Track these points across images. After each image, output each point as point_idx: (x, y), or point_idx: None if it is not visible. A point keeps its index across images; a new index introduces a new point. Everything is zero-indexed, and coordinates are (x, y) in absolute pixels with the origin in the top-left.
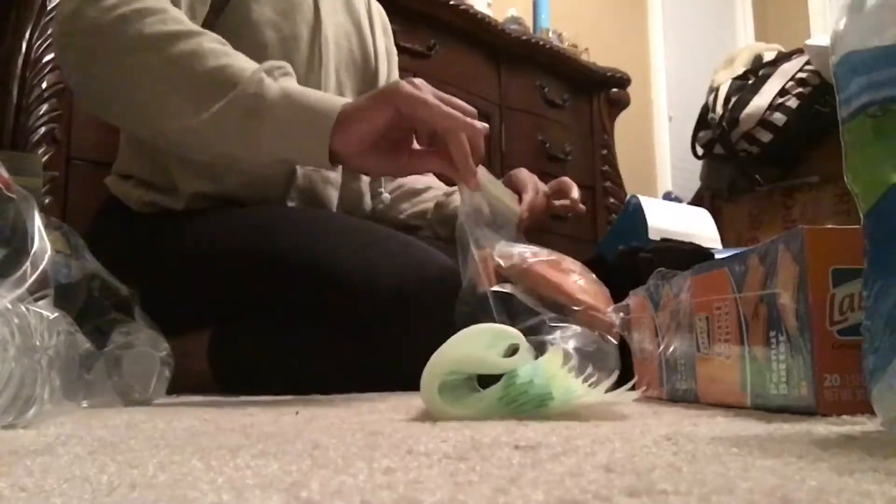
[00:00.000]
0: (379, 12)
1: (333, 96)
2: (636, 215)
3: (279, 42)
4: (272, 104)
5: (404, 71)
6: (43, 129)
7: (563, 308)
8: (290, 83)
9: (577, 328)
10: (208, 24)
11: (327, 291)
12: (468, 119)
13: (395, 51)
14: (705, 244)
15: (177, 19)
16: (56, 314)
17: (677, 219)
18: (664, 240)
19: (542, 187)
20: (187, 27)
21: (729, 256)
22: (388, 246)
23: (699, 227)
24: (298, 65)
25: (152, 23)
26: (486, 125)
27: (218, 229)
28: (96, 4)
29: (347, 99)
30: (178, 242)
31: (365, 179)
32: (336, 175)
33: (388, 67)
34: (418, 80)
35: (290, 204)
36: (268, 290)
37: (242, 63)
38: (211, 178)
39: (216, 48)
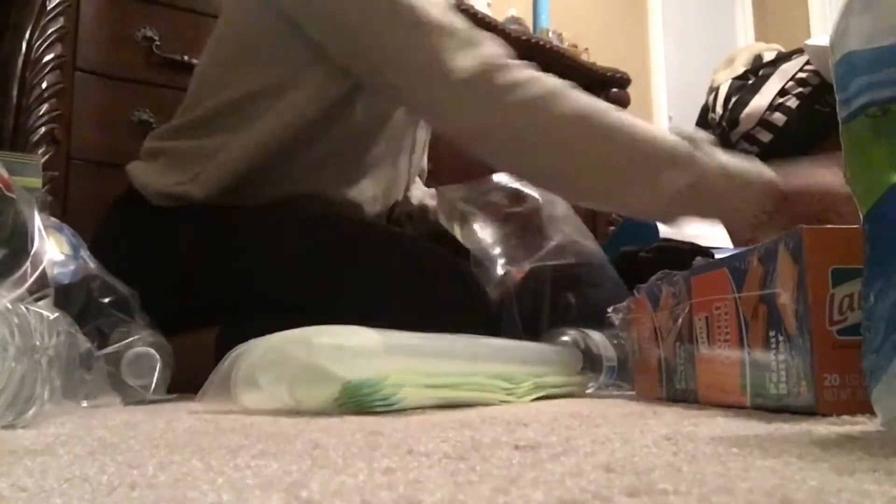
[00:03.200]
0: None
1: (762, 168)
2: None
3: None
4: (712, 178)
5: None
6: (43, 129)
7: None
8: (720, 155)
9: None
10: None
11: (338, 292)
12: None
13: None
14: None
15: (579, 96)
16: (56, 314)
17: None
18: (664, 240)
19: None
20: (594, 102)
21: (729, 256)
22: (405, 248)
23: (707, 229)
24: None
25: (565, 101)
26: None
27: (234, 226)
28: (490, 83)
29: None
30: (193, 239)
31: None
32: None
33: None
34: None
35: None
36: (279, 289)
37: (660, 133)
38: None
39: (621, 117)
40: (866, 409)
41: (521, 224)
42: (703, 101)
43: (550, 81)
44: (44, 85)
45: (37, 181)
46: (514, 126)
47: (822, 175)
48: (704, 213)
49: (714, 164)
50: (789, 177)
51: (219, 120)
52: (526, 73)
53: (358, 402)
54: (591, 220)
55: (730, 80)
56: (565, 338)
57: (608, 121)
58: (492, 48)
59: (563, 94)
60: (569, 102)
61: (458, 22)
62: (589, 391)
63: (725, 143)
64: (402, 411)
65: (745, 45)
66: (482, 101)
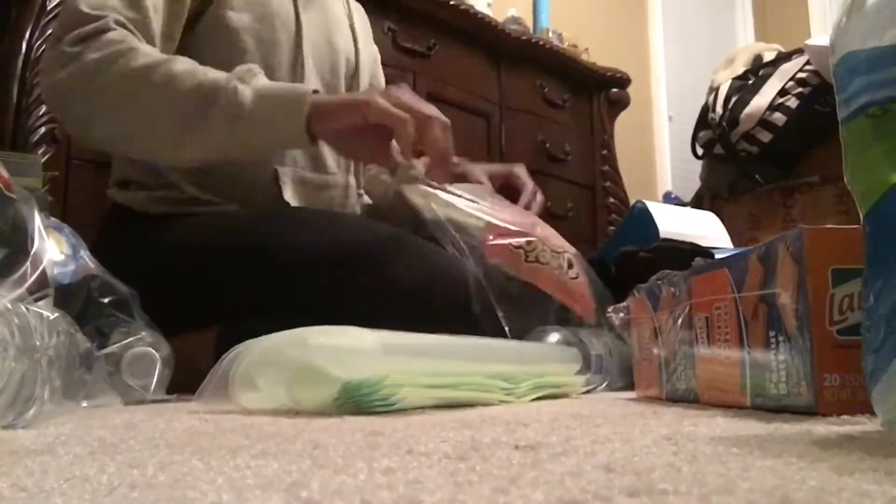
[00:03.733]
0: (359, 12)
1: (301, 85)
2: (643, 220)
3: (258, 47)
4: (251, 107)
5: (404, 71)
6: (43, 129)
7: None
8: (261, 82)
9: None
10: (185, 35)
11: (338, 291)
12: (424, 113)
13: (376, 50)
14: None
15: (144, 52)
16: (56, 314)
17: (686, 222)
18: (664, 240)
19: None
20: (155, 58)
21: (729, 256)
22: (404, 247)
23: (709, 230)
24: (280, 70)
25: (125, 62)
26: (443, 120)
27: (228, 228)
28: (72, 54)
29: (316, 86)
30: (187, 241)
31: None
32: (332, 177)
33: (370, 69)
34: (398, 89)
35: (288, 198)
36: (277, 289)
37: (214, 76)
38: (203, 183)
39: (187, 69)
40: (866, 409)
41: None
42: (703, 101)
43: (126, 44)
44: None
45: (37, 181)
46: (84, 84)
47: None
48: (257, 139)
49: (249, 93)
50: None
51: None
52: (111, 36)
53: (357, 402)
54: (592, 220)
55: (730, 80)
56: (555, 335)
57: (161, 74)
58: (101, 21)
59: (131, 53)
60: (133, 61)
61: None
62: (588, 390)
63: (725, 142)
64: (401, 411)
65: (745, 45)
66: (63, 59)
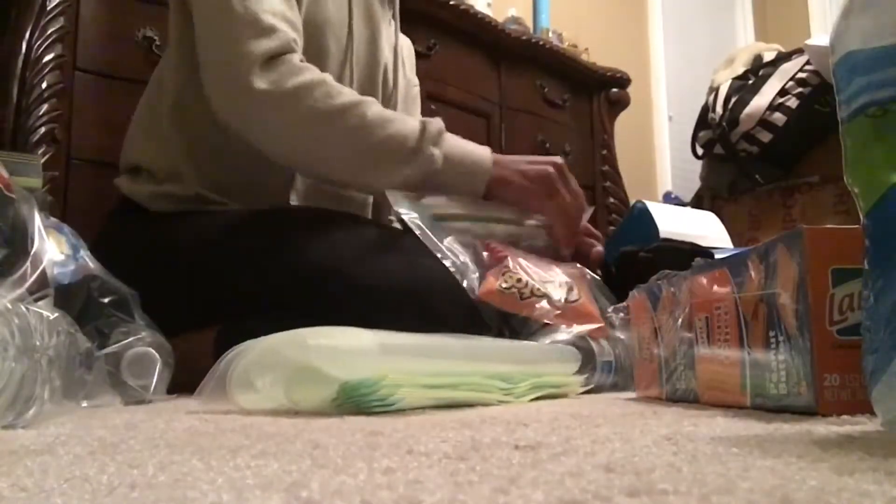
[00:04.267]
0: (407, 46)
1: (484, 153)
2: (643, 220)
3: (306, 51)
4: (439, 171)
5: None
6: (43, 129)
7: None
8: (448, 146)
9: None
10: None
11: (337, 292)
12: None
13: (416, 82)
14: (716, 246)
15: (340, 91)
16: (56, 314)
17: (686, 222)
18: (664, 240)
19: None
20: (350, 98)
21: (729, 256)
22: (401, 250)
23: (709, 230)
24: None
25: (321, 97)
26: (587, 209)
27: (228, 227)
28: (265, 74)
29: (489, 153)
30: (187, 241)
31: None
32: (348, 189)
33: (404, 91)
34: (568, 177)
35: (294, 202)
36: (276, 289)
37: (405, 129)
38: (211, 179)
39: (378, 117)
40: (866, 409)
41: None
42: (703, 101)
43: (318, 74)
44: (44, 85)
45: (37, 181)
46: (282, 112)
47: (529, 159)
48: (439, 188)
49: (440, 159)
50: (501, 162)
51: (177, 115)
52: (298, 61)
53: (356, 402)
54: (592, 220)
55: (730, 80)
56: (561, 335)
57: (355, 117)
58: (285, 38)
59: (325, 87)
60: (329, 97)
61: (261, 14)
62: (585, 389)
63: (725, 143)
64: (401, 411)
65: (745, 45)
66: (256, 69)
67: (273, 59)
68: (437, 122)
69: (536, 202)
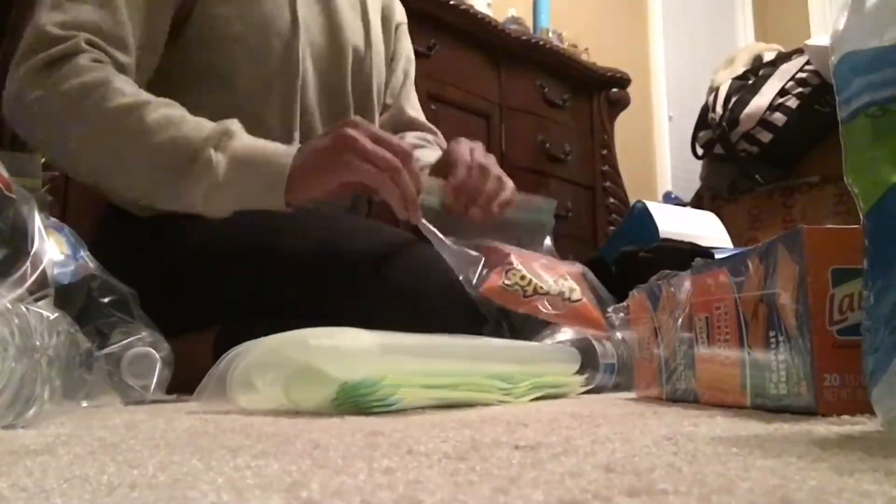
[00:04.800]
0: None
1: (279, 151)
2: (643, 220)
3: (246, 56)
4: (227, 180)
5: None
6: None
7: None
8: (237, 148)
9: (566, 329)
10: (174, 41)
11: (335, 292)
12: (393, 164)
13: (401, 12)
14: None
15: (119, 91)
16: (56, 314)
17: (686, 222)
18: (664, 240)
19: (481, 159)
20: (129, 100)
21: (729, 256)
22: (400, 247)
23: (708, 230)
24: (273, 76)
25: (97, 100)
26: (414, 157)
27: (225, 228)
28: (41, 80)
29: (293, 150)
30: (185, 242)
31: None
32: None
33: (380, 50)
34: (355, 129)
35: None
36: (276, 290)
37: (188, 132)
38: None
39: (159, 119)
40: (866, 409)
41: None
42: (703, 101)
43: (104, 73)
44: None
45: (37, 181)
46: (54, 118)
47: (310, 153)
48: (231, 205)
49: (221, 164)
50: (302, 150)
51: None
52: (82, 62)
53: (355, 402)
54: (592, 220)
55: (730, 80)
56: (562, 336)
57: (134, 120)
58: (73, 43)
59: (104, 89)
60: (106, 100)
61: (48, 27)
62: (586, 389)
63: (725, 143)
64: (401, 411)
65: (745, 45)
66: (31, 82)
67: (52, 63)
68: (227, 123)
69: (345, 175)
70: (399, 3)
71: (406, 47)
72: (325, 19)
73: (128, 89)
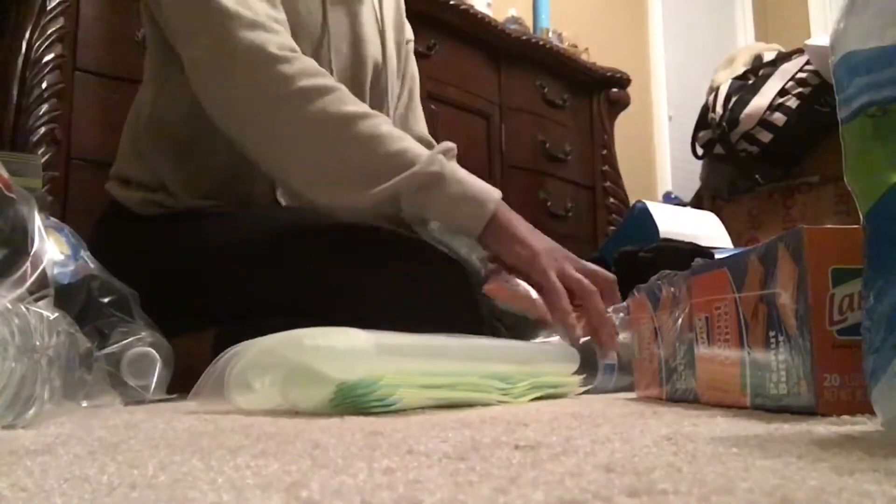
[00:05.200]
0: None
1: (488, 187)
2: (643, 220)
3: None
4: (448, 180)
5: None
6: (43, 129)
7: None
8: (457, 167)
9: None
10: None
11: (336, 293)
12: (587, 290)
13: (408, 30)
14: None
15: (354, 100)
16: (56, 314)
17: (686, 222)
18: (664, 240)
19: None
20: (364, 109)
21: (729, 256)
22: (402, 246)
23: (708, 230)
24: None
25: (333, 101)
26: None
27: (226, 229)
28: (275, 69)
29: (498, 193)
30: (185, 242)
31: None
32: None
33: (395, 63)
34: (572, 262)
35: (282, 201)
36: (275, 290)
37: (419, 149)
38: (199, 190)
39: (394, 132)
40: (866, 409)
41: None
42: (703, 101)
43: (322, 80)
44: (44, 85)
45: (37, 181)
46: (271, 111)
47: (535, 235)
48: (439, 215)
49: (450, 169)
50: (510, 215)
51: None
52: (302, 65)
53: (353, 402)
54: (592, 220)
55: (730, 80)
56: (558, 337)
57: (369, 125)
58: (279, 37)
59: (327, 94)
60: (342, 103)
61: (249, 10)
62: (585, 389)
63: (725, 143)
64: (401, 411)
65: (745, 45)
66: (251, 77)
67: (289, 52)
68: (452, 146)
69: (540, 270)
70: (408, 21)
71: (413, 65)
72: (349, 31)
73: (357, 100)
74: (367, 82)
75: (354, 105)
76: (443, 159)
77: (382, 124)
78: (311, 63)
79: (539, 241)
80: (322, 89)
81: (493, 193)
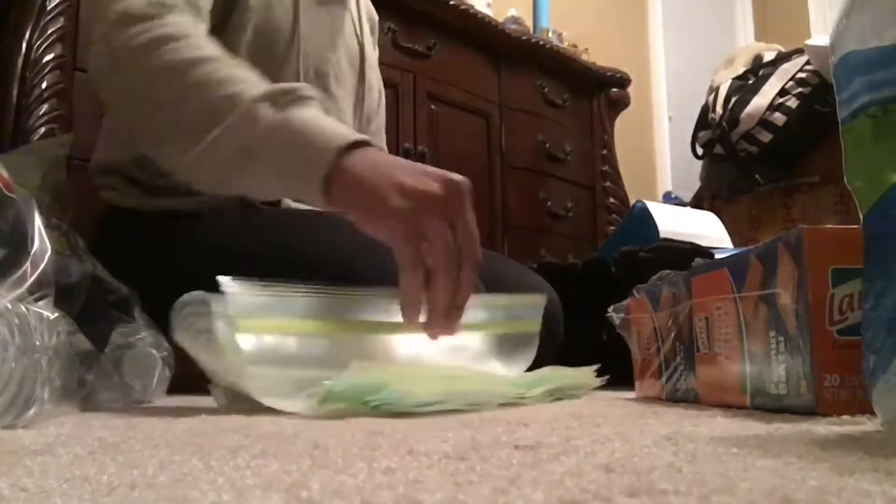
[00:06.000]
0: (368, 12)
1: (341, 132)
2: (643, 220)
3: (255, 35)
4: (265, 138)
5: (404, 71)
6: (43, 129)
7: None
8: (300, 114)
9: None
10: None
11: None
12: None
13: (376, 56)
14: (716, 246)
15: (196, 45)
16: (56, 314)
17: (686, 222)
18: (664, 240)
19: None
20: (203, 53)
21: (729, 256)
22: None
23: (708, 230)
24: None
25: (168, 51)
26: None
27: (226, 227)
28: (123, 31)
29: (349, 135)
30: (185, 242)
31: None
32: None
33: (372, 71)
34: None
35: (287, 204)
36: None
37: (252, 90)
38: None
39: (232, 75)
40: (866, 409)
41: None
42: (703, 101)
43: (169, 29)
44: (44, 85)
45: (37, 181)
46: (114, 79)
47: (392, 171)
48: (261, 171)
49: (272, 121)
50: (360, 157)
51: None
52: (163, 20)
53: (351, 402)
54: (592, 220)
55: (730, 80)
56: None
57: (195, 77)
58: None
59: (170, 42)
60: (170, 54)
61: None
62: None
63: (725, 143)
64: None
65: (745, 45)
66: (118, 43)
67: (134, 15)
68: (304, 88)
69: (402, 233)
70: (404, 19)
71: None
72: (323, 32)
73: (205, 43)
74: (356, 78)
75: (198, 51)
76: (260, 109)
77: (222, 69)
78: (175, 18)
79: (392, 190)
80: (165, 38)
81: (338, 140)
